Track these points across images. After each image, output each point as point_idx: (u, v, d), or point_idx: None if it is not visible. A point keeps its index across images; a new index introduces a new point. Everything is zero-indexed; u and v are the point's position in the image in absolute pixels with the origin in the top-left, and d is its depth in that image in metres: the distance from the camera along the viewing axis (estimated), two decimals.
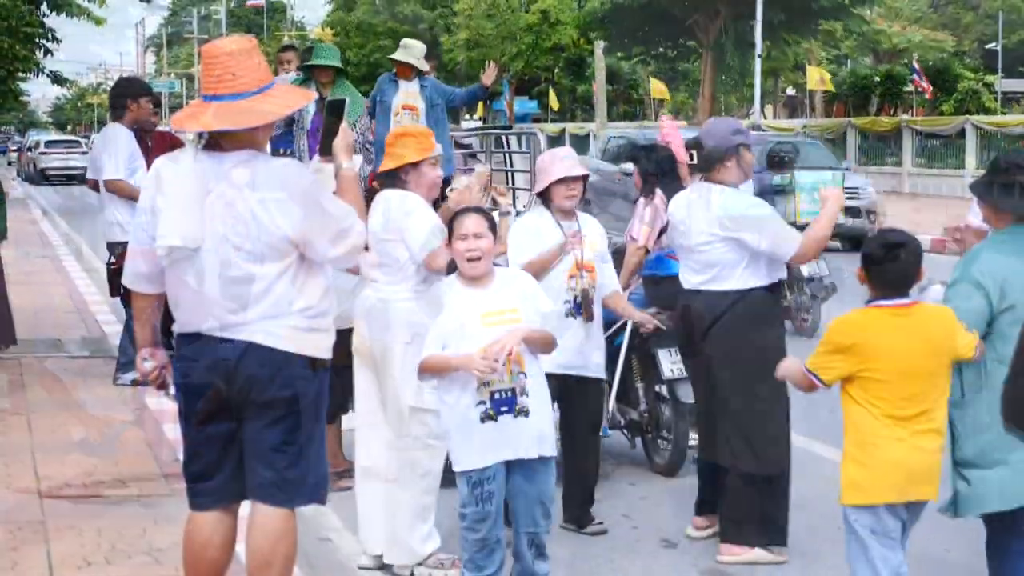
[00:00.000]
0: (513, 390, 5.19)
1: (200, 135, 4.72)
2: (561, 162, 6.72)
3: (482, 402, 5.16)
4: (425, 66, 10.98)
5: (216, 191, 4.58)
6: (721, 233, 6.35)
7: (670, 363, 7.66)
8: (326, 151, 5.08)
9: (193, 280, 4.64)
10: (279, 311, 4.64)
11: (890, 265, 4.81)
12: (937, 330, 4.84)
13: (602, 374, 6.95)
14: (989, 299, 4.98)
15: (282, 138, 9.80)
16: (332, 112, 5.15)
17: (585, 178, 6.74)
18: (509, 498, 5.33)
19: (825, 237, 6.43)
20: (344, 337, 6.36)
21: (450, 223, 5.44)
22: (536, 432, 5.24)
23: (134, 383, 9.68)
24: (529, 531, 5.35)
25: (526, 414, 5.20)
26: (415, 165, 6.10)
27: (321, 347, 4.76)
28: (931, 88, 44.34)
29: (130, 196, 9.76)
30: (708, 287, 6.42)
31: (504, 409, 5.17)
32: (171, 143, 10.50)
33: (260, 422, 4.70)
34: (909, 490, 4.86)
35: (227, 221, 4.57)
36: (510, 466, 5.25)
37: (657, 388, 7.86)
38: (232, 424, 4.76)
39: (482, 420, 5.17)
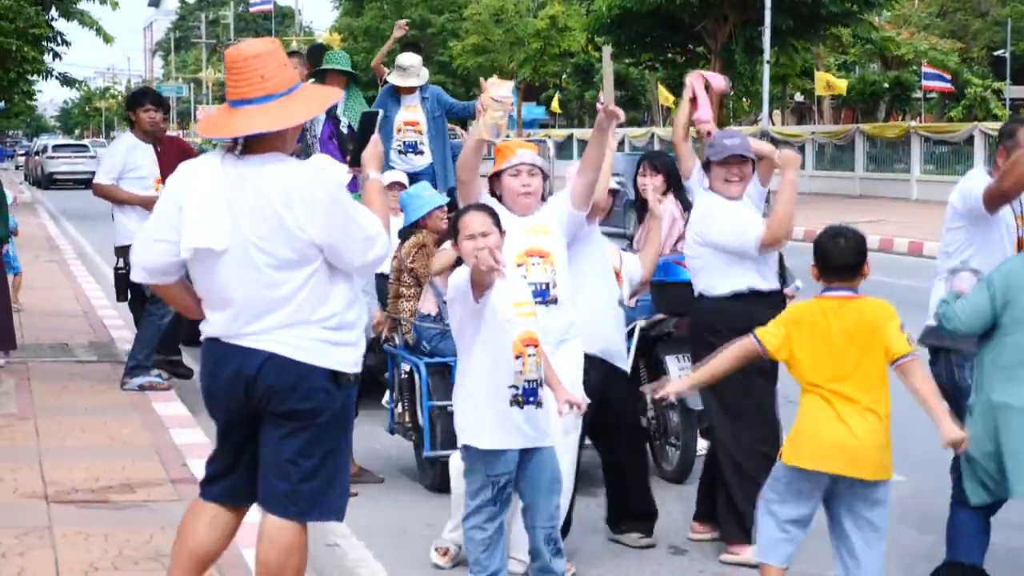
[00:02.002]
0: (538, 381, 5.41)
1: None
2: None
3: (514, 386, 5.35)
4: (425, 79, 10.94)
5: (242, 194, 4.53)
6: (693, 238, 6.53)
7: (678, 369, 7.62)
8: (355, 162, 5.04)
9: (216, 283, 4.60)
10: (300, 319, 4.56)
11: (833, 250, 5.23)
12: (867, 322, 5.18)
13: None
14: (994, 299, 5.40)
15: None
16: (365, 124, 5.11)
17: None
18: (525, 492, 5.48)
19: (791, 211, 6.32)
20: None
21: (454, 223, 5.58)
22: (547, 422, 5.49)
23: (142, 388, 9.70)
24: (546, 527, 5.48)
25: (541, 405, 5.44)
26: (498, 176, 6.16)
27: (346, 361, 4.65)
28: (952, 87, 44.00)
29: (117, 200, 9.87)
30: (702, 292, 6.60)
31: (531, 399, 5.40)
32: (179, 148, 10.55)
33: (277, 433, 4.64)
34: (836, 464, 5.17)
35: (253, 224, 4.52)
36: (524, 457, 5.42)
37: None
38: (251, 431, 4.72)
39: (510, 404, 5.35)
